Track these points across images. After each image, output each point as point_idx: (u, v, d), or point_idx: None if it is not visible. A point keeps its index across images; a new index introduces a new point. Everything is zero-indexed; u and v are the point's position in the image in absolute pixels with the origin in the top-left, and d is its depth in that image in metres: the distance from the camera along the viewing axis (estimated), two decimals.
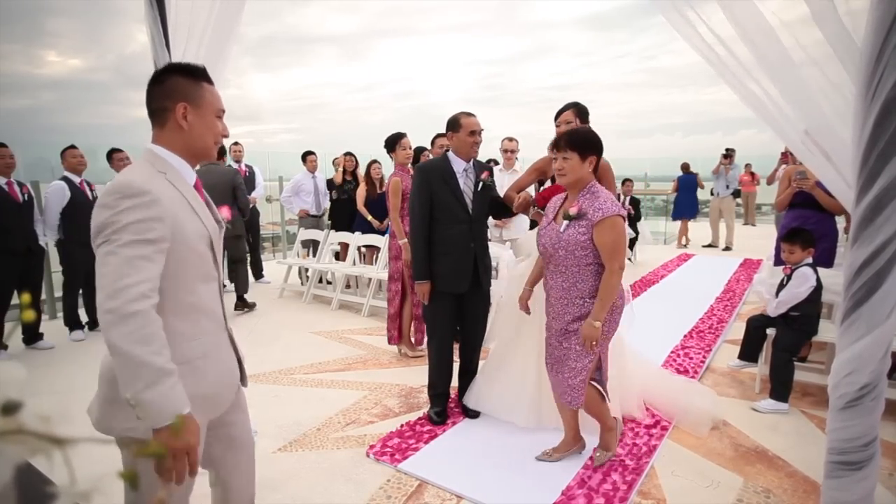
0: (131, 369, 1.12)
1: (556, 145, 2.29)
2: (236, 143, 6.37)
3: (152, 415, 1.13)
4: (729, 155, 8.63)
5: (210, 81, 1.39)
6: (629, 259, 3.12)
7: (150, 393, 1.11)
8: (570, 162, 2.22)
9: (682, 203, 9.21)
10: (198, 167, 1.48)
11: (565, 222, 2.28)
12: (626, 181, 7.86)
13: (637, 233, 7.37)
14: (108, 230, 1.16)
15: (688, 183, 9.17)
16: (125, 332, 1.11)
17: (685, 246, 9.09)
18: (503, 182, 4.65)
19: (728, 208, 8.77)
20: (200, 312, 1.36)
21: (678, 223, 9.43)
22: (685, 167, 9.42)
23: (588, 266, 2.26)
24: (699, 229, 9.63)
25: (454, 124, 2.85)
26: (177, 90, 1.33)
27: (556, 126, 2.85)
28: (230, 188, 4.93)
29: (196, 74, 1.37)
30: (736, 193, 8.91)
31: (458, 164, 2.87)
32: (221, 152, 6.23)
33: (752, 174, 11.00)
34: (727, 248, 8.62)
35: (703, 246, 8.96)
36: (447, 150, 2.94)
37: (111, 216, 1.17)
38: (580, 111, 2.84)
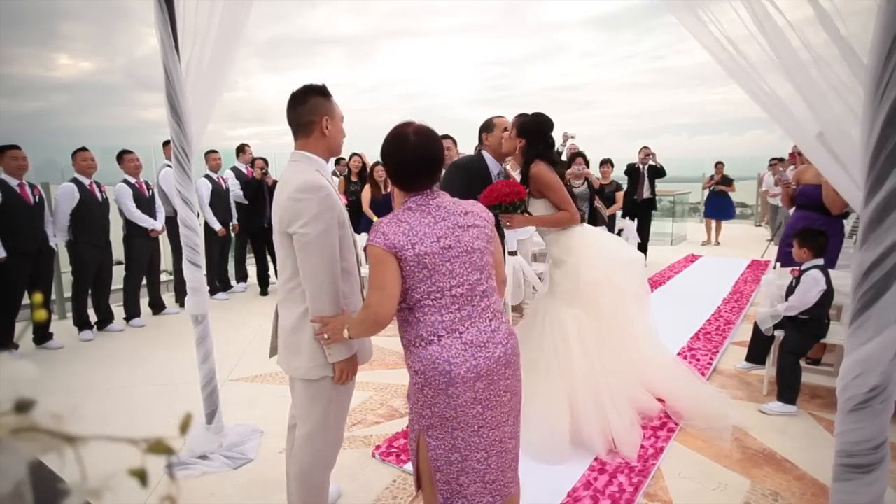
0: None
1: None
2: (251, 151, 6.12)
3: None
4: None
5: (331, 96, 1.77)
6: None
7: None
8: None
9: (716, 204, 9.24)
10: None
11: None
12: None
13: (647, 237, 7.07)
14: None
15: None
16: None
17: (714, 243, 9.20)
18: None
19: None
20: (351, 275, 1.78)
21: (685, 224, 9.39)
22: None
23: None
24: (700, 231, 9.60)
25: (488, 126, 2.92)
26: (318, 107, 1.69)
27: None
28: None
29: (327, 93, 1.73)
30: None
31: (493, 165, 2.91)
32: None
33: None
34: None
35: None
36: (481, 150, 2.97)
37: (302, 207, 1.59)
38: (523, 125, 2.73)
